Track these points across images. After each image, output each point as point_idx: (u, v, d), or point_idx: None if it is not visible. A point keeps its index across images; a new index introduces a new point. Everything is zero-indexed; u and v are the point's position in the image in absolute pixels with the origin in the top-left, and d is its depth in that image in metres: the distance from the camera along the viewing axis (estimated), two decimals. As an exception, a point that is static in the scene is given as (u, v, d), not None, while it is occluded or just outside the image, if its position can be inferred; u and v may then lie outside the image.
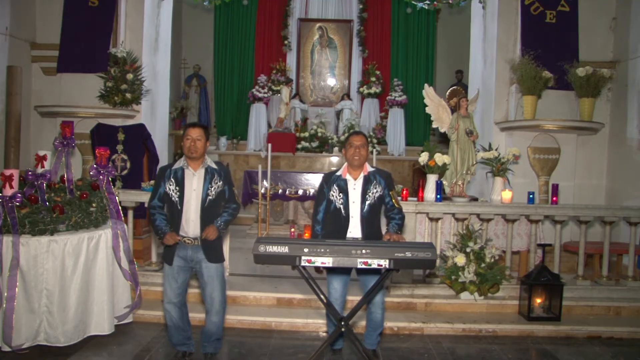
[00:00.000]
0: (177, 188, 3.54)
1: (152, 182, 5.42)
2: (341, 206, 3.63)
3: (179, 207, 3.54)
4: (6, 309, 3.63)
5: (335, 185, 3.66)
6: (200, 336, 3.81)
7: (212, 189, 3.56)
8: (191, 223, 3.54)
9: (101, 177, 4.14)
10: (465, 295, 4.90)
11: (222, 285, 3.65)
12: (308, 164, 10.28)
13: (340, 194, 3.63)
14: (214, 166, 3.63)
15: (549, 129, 5.88)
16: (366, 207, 3.60)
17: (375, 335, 3.85)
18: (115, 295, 4.21)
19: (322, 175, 7.77)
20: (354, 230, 3.61)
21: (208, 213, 3.54)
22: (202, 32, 11.53)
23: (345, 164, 3.73)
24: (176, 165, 3.62)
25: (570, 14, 6.13)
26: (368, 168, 3.68)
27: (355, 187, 3.64)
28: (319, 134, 10.40)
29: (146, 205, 4.49)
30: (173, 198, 3.55)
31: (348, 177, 3.66)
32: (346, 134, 10.26)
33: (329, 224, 3.70)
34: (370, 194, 3.61)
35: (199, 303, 4.62)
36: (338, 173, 3.72)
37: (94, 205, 4.15)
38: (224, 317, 3.76)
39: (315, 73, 11.39)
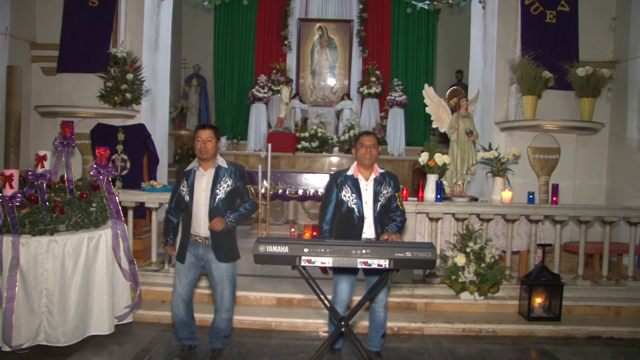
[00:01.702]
0: (189, 189, 3.63)
1: (152, 182, 5.43)
2: (354, 206, 3.61)
3: (190, 207, 3.63)
4: (6, 309, 3.63)
5: (346, 185, 3.64)
6: (206, 334, 3.86)
7: (221, 188, 3.61)
8: (202, 223, 3.61)
9: (101, 177, 4.14)
10: (465, 295, 4.90)
11: (233, 285, 3.73)
12: (308, 164, 10.28)
13: (353, 194, 3.62)
14: (225, 165, 3.68)
15: (549, 129, 5.88)
16: (378, 207, 3.61)
17: (379, 336, 3.84)
18: (115, 295, 4.21)
19: (322, 174, 7.89)
20: (368, 231, 3.60)
21: (217, 212, 3.59)
22: (202, 32, 11.54)
23: (355, 164, 3.72)
24: (189, 167, 3.71)
25: (570, 14, 6.13)
26: (378, 169, 3.69)
27: (367, 188, 3.63)
28: (319, 134, 10.39)
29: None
30: (185, 199, 3.65)
31: (360, 177, 3.66)
32: (347, 134, 10.33)
33: (341, 225, 3.67)
34: (381, 194, 3.62)
35: (204, 303, 4.64)
36: (349, 173, 3.69)
37: (94, 205, 4.15)
38: (233, 314, 3.83)
39: (315, 73, 11.39)
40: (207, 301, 4.77)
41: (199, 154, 3.61)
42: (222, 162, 3.68)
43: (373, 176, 3.66)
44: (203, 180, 3.63)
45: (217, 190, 3.61)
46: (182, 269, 3.68)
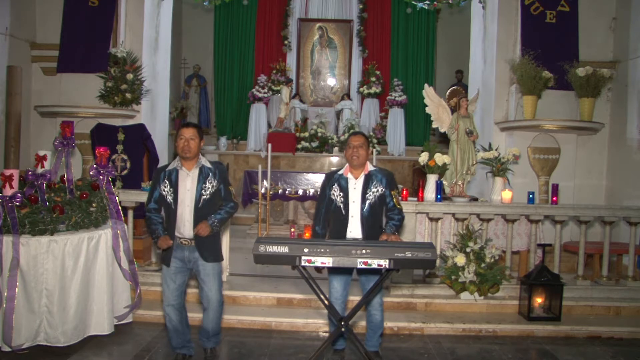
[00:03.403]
0: (172, 189, 3.54)
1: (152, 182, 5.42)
2: (341, 205, 3.63)
3: (174, 208, 3.53)
4: (6, 309, 3.63)
5: (336, 184, 3.66)
6: (198, 335, 3.83)
7: (207, 188, 3.55)
8: (186, 224, 3.53)
9: (101, 177, 4.15)
10: (465, 295, 4.90)
11: (219, 284, 3.66)
12: (308, 164, 10.27)
13: (341, 192, 3.63)
14: (209, 165, 3.61)
15: (549, 129, 5.88)
16: (366, 206, 3.60)
17: (376, 336, 3.85)
18: (115, 295, 4.21)
19: (322, 174, 7.89)
20: (354, 230, 3.61)
21: (203, 213, 3.52)
22: (202, 32, 11.53)
23: (347, 164, 3.73)
24: (170, 166, 3.61)
25: (570, 14, 6.13)
26: (369, 167, 3.69)
27: (355, 187, 3.64)
28: (319, 134, 10.39)
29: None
30: (168, 199, 3.55)
31: (349, 175, 3.67)
32: (346, 134, 10.32)
33: (332, 224, 3.70)
34: (370, 193, 3.61)
35: (198, 303, 4.62)
36: (340, 172, 3.72)
37: (94, 205, 4.15)
38: (222, 314, 3.79)
39: (315, 73, 11.39)
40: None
41: (181, 153, 3.52)
42: (205, 161, 3.61)
43: (363, 174, 3.66)
44: (187, 181, 3.54)
45: (203, 191, 3.53)
46: (168, 274, 3.58)
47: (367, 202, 3.60)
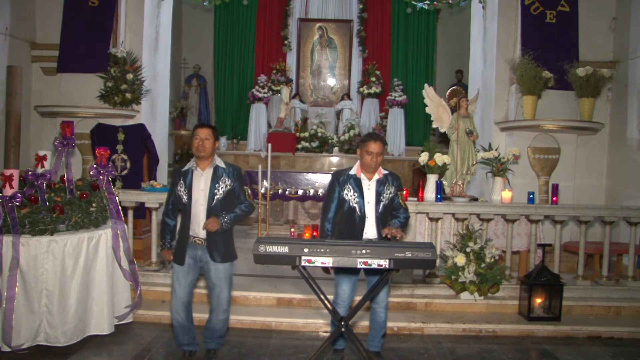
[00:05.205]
0: (186, 189, 3.60)
1: (152, 182, 5.43)
2: (356, 205, 3.60)
3: (188, 208, 3.60)
4: (6, 309, 3.63)
5: (349, 184, 3.64)
6: (202, 335, 3.84)
7: (220, 188, 3.60)
8: (200, 223, 3.58)
9: (101, 177, 4.15)
10: (465, 295, 4.90)
11: (230, 286, 3.72)
12: (308, 164, 10.27)
13: (355, 193, 3.62)
14: (223, 166, 3.67)
15: (549, 129, 5.88)
16: (381, 208, 3.61)
17: (379, 336, 3.85)
18: (115, 295, 4.22)
19: (322, 174, 7.89)
20: (370, 230, 3.60)
21: (216, 212, 3.56)
22: (202, 32, 11.53)
23: (358, 163, 3.71)
24: (186, 167, 3.68)
25: (570, 14, 6.13)
26: (382, 170, 3.68)
27: (369, 188, 3.63)
28: (319, 134, 10.39)
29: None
30: (183, 199, 3.62)
31: (362, 176, 3.66)
32: (347, 134, 10.31)
33: (343, 224, 3.66)
34: (384, 195, 3.62)
35: (201, 303, 4.63)
36: (352, 172, 3.69)
37: (94, 205, 4.15)
38: (229, 315, 3.81)
39: (315, 73, 11.38)
40: (206, 301, 4.76)
41: (196, 152, 3.59)
42: (219, 162, 3.68)
43: (376, 177, 3.65)
44: (201, 180, 3.60)
45: (216, 190, 3.59)
46: (180, 271, 3.63)
47: (382, 203, 3.61)
